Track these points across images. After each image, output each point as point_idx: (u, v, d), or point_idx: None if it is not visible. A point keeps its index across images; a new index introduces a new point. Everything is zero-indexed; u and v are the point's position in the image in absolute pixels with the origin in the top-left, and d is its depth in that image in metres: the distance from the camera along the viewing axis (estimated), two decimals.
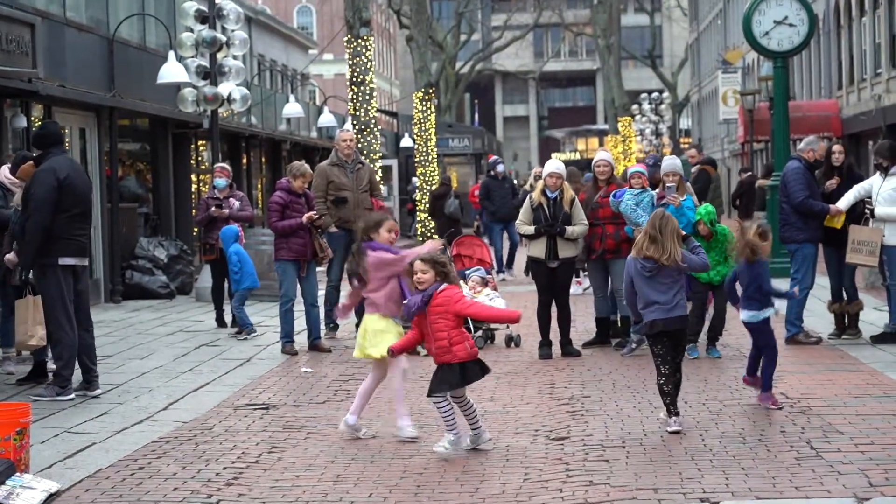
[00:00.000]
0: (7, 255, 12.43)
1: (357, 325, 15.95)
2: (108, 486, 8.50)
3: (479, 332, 14.82)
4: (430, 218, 31.47)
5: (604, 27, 67.30)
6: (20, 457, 8.26)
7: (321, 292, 15.99)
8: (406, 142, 47.80)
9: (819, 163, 14.69)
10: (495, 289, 15.81)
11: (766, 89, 35.73)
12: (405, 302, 9.48)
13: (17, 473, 8.12)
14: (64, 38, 20.39)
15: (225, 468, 8.94)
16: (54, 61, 19.57)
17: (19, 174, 12.46)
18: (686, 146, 67.58)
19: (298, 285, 14.96)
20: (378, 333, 9.81)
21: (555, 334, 14.13)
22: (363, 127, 23.65)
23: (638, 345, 13.79)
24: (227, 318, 17.24)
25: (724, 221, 15.02)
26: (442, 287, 9.10)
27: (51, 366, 12.24)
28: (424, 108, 37.25)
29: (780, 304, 11.27)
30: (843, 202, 14.15)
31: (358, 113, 23.88)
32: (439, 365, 9.17)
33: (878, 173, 14.16)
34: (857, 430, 9.46)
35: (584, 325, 16.01)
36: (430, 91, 38.21)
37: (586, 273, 16.06)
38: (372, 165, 20.68)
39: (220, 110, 21.83)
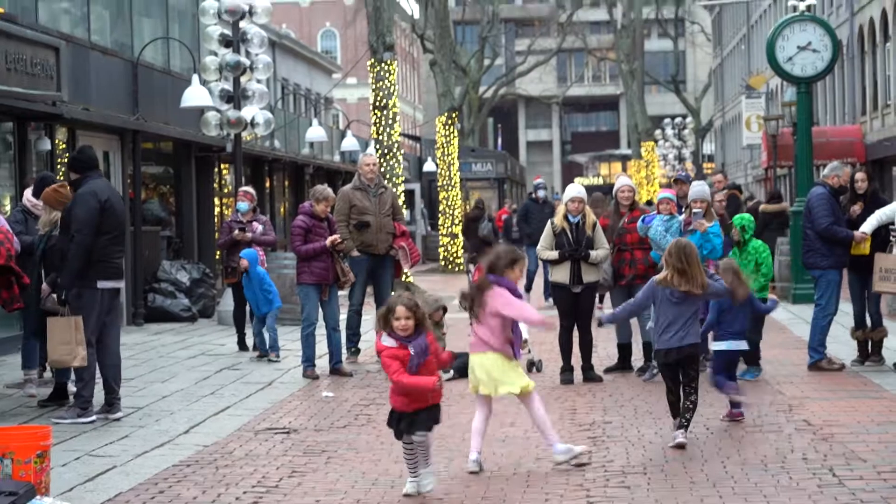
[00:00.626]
0: (44, 286, 12.46)
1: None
2: None
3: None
4: (463, 236, 31.57)
5: (627, 52, 67.46)
6: (41, 480, 8.26)
7: (343, 316, 15.99)
8: (429, 166, 47.89)
9: (844, 188, 14.66)
10: None
11: (789, 114, 35.65)
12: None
13: (38, 496, 8.10)
14: (88, 61, 20.49)
15: (245, 492, 8.92)
16: (78, 84, 19.66)
17: (43, 197, 12.46)
18: (710, 171, 67.56)
19: (320, 309, 14.98)
20: (506, 371, 9.56)
21: (576, 359, 14.10)
22: (386, 151, 23.73)
23: (659, 370, 13.73)
24: (249, 341, 17.22)
25: None
26: (426, 334, 8.95)
27: (72, 388, 12.26)
28: (447, 133, 37.35)
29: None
30: (867, 226, 14.09)
31: (381, 137, 23.95)
32: (426, 407, 8.85)
33: None
34: (880, 458, 9.41)
35: (605, 350, 15.97)
36: (454, 115, 38.30)
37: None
38: (395, 190, 20.70)
39: (244, 134, 21.87)
